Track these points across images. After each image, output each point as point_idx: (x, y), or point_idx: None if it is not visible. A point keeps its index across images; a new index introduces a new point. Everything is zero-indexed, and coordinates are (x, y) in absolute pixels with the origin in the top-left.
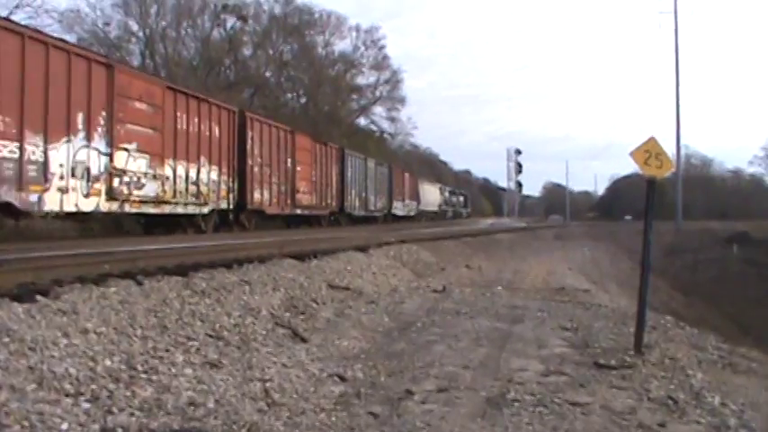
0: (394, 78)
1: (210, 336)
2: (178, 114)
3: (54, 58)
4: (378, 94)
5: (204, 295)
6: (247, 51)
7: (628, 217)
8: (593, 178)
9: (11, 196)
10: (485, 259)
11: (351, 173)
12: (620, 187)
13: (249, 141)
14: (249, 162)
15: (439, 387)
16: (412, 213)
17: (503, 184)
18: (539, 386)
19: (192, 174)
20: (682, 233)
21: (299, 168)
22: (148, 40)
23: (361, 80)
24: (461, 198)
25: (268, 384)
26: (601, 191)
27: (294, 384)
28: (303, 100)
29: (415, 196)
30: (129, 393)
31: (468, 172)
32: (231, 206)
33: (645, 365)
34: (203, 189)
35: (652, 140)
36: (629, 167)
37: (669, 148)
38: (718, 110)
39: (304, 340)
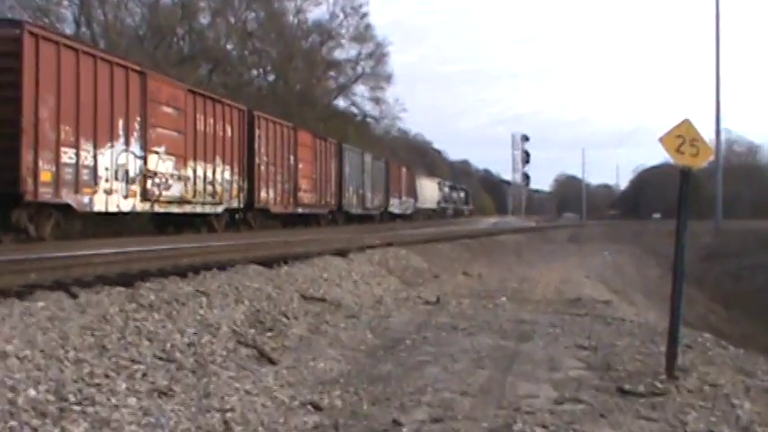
0: (378, 52)
1: (160, 358)
2: (197, 116)
3: (101, 69)
4: (359, 70)
5: (153, 309)
6: (204, 20)
7: (656, 215)
8: (614, 169)
9: (70, 198)
10: (486, 265)
11: (348, 169)
12: (646, 180)
13: (257, 140)
14: (257, 160)
15: (432, 417)
16: (409, 212)
17: (507, 176)
18: (551, 416)
19: (209, 174)
20: (722, 234)
21: (300, 166)
22: (83, 3)
23: (339, 54)
24: (462, 194)
25: (228, 415)
26: (624, 184)
27: (260, 415)
28: (271, 77)
29: (413, 192)
30: (57, 430)
31: (466, 162)
32: (242, 205)
33: (679, 393)
34: (218, 189)
35: (686, 123)
36: (659, 156)
37: (707, 133)
38: (766, 87)
39: (272, 362)
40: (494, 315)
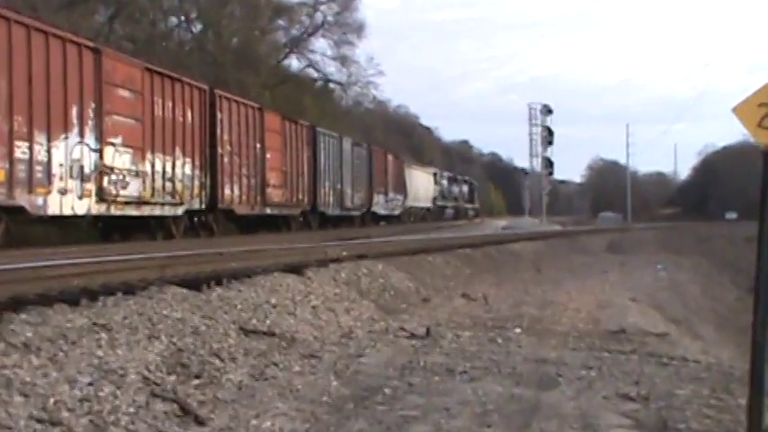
0: None
1: (39, 420)
2: (155, 99)
3: (54, 48)
4: (319, 18)
5: (29, 351)
6: None
7: (731, 214)
8: (670, 152)
9: (24, 200)
10: (494, 285)
11: (324, 159)
12: (717, 166)
13: (219, 125)
14: (219, 151)
15: None
16: (397, 212)
17: (522, 162)
18: None
19: (168, 169)
20: None
21: (268, 156)
22: None
23: None
24: (465, 188)
25: None
26: (684, 172)
27: None
28: (197, 28)
29: (402, 187)
30: None
31: (466, 144)
32: (203, 205)
33: None
34: (178, 186)
35: None
36: (734, 133)
37: None
38: None
39: (199, 421)
40: (504, 353)
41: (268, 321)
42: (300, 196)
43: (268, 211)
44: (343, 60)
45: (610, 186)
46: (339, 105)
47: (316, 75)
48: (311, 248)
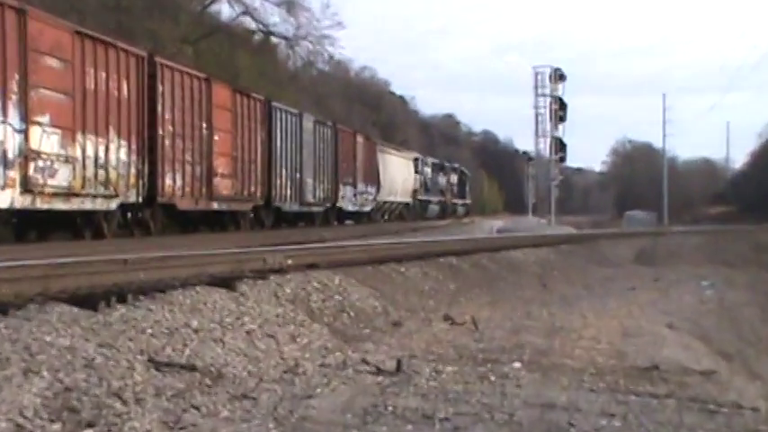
0: None
1: None
2: (87, 69)
3: None
4: None
5: None
6: None
7: None
8: (720, 132)
9: None
10: (486, 304)
11: (281, 141)
12: None
13: (160, 100)
14: (160, 131)
15: None
16: (367, 208)
17: (525, 144)
18: None
19: (101, 153)
20: None
21: (216, 138)
22: None
23: None
24: (454, 178)
25: None
26: (740, 159)
27: None
28: None
29: (373, 177)
30: None
31: (451, 119)
32: (141, 198)
33: None
34: (112, 175)
35: None
36: None
37: None
38: None
39: None
40: (499, 394)
41: (187, 351)
42: (252, 188)
43: (215, 206)
44: (290, 7)
45: (640, 177)
46: (284, 66)
47: (253, 26)
48: (246, 255)
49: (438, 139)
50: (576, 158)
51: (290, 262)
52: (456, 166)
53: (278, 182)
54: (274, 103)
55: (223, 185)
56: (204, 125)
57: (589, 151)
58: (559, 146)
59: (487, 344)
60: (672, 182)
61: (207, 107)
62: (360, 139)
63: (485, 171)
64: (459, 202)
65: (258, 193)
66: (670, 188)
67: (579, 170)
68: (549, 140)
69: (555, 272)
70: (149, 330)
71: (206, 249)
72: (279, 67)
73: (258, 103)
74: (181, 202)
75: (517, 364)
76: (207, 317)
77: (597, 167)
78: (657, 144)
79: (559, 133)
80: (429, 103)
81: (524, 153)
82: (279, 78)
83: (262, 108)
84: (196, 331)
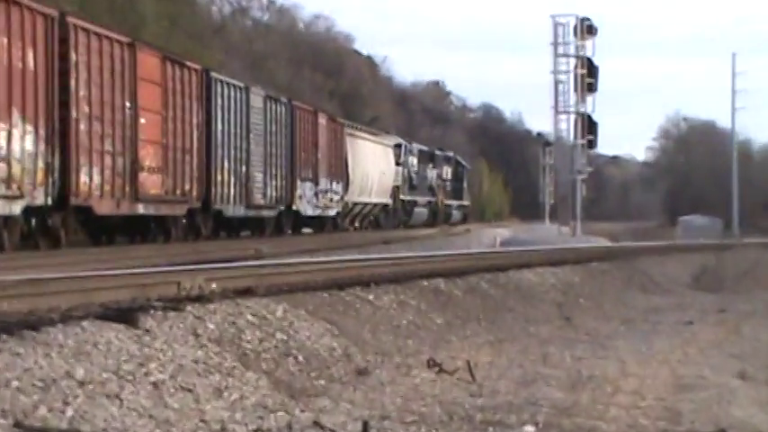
0: None
1: None
2: None
3: None
4: None
5: None
6: None
7: None
8: None
9: None
10: (486, 345)
11: (222, 122)
12: None
13: (74, 73)
14: (73, 113)
15: None
16: (332, 211)
17: (540, 124)
18: None
19: (2, 142)
20: None
21: (143, 121)
22: None
23: None
24: (447, 171)
25: None
26: None
27: None
28: None
29: (340, 170)
30: None
31: (436, 88)
32: (50, 200)
33: None
34: (16, 170)
35: None
36: None
37: None
38: None
39: None
40: None
41: (69, 411)
42: (187, 186)
43: (141, 209)
44: None
45: (700, 168)
46: (205, 14)
47: None
48: (154, 277)
49: (420, 116)
50: (610, 143)
51: (214, 286)
52: (450, 155)
53: (219, 177)
54: (214, 74)
55: (151, 183)
56: (127, 104)
57: (628, 133)
58: (588, 125)
59: (488, 399)
60: (744, 175)
61: (131, 81)
62: (322, 119)
63: (485, 160)
64: (454, 203)
65: (194, 193)
66: (742, 184)
67: (615, 159)
68: (573, 118)
69: (581, 300)
70: (15, 383)
71: (101, 267)
72: (198, 15)
73: (193, 73)
74: (99, 204)
75: (530, 429)
76: (97, 363)
77: (640, 155)
78: (724, 123)
79: (588, 108)
80: (408, 68)
81: (539, 135)
82: (198, 31)
83: (198, 80)
84: (82, 384)
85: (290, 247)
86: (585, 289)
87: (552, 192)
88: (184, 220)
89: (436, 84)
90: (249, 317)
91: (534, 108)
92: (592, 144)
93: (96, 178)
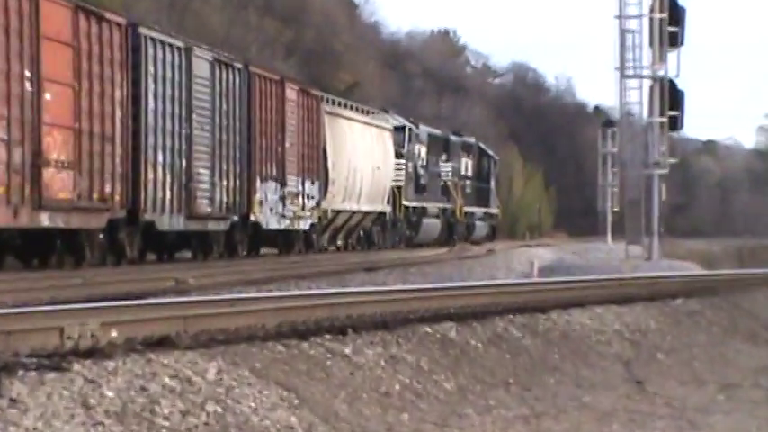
0: None
1: None
2: None
3: None
4: None
5: None
6: None
7: None
8: None
9: None
10: (517, 421)
11: (155, 98)
12: None
13: None
14: None
15: None
16: (304, 223)
17: (597, 95)
18: None
19: None
20: None
21: (48, 97)
22: None
23: None
24: (468, 164)
25: None
26: None
27: None
28: None
29: (316, 165)
30: None
31: (447, 40)
32: None
33: None
34: None
35: None
36: None
37: None
38: None
39: None
40: None
41: None
42: (107, 188)
43: (45, 220)
44: None
45: None
46: None
47: None
48: (26, 320)
49: (421, 82)
50: (703, 123)
51: (114, 334)
52: (471, 141)
53: (150, 176)
54: (144, 30)
55: (59, 183)
56: (27, 74)
57: (730, 108)
58: (671, 96)
59: None
60: None
61: (32, 41)
62: (292, 92)
63: (517, 147)
64: (478, 211)
65: (116, 198)
66: None
67: (710, 146)
68: (647, 85)
69: (659, 355)
70: None
71: None
72: None
73: (115, 29)
74: None
75: None
76: None
77: (748, 140)
78: None
79: (670, 70)
80: (402, 12)
81: (597, 111)
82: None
83: (121, 39)
84: None
85: (231, 275)
86: (666, 339)
87: (617, 194)
88: (102, 236)
89: (445, 34)
90: (167, 380)
91: (590, 71)
92: (676, 124)
93: None
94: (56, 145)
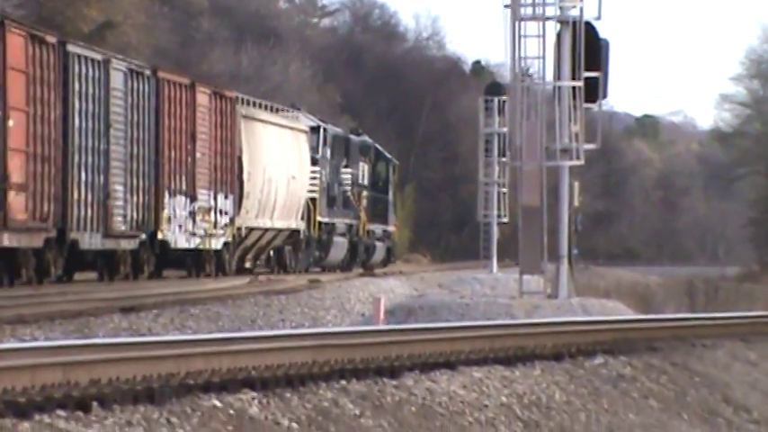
0: None
1: None
2: None
3: None
4: None
5: None
6: None
7: None
8: None
9: None
10: None
11: (80, 115)
12: None
13: None
14: None
15: None
16: (216, 242)
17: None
18: None
19: None
20: None
21: (11, 123)
22: None
23: None
24: (365, 170)
25: None
26: None
27: None
28: None
29: (231, 176)
30: None
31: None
32: None
33: None
34: None
35: None
36: None
37: None
38: None
39: None
40: None
41: None
42: (45, 208)
43: (6, 240)
44: None
45: None
46: None
47: None
48: None
49: (212, 23)
50: (638, 94)
51: None
52: (368, 141)
53: (75, 194)
54: (72, 48)
55: (18, 205)
56: None
57: (678, 72)
58: (590, 49)
59: None
60: None
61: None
62: (203, 96)
63: (353, 121)
64: (378, 228)
65: (51, 217)
66: None
67: (648, 123)
68: (554, 31)
69: None
70: None
71: None
72: None
73: (50, 50)
74: None
75: None
76: None
77: (704, 119)
78: None
79: (588, 9)
80: None
81: (477, 68)
82: None
83: (55, 59)
84: None
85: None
86: (579, 418)
87: (506, 198)
88: (34, 258)
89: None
90: None
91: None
92: (596, 90)
93: None
94: (15, 169)
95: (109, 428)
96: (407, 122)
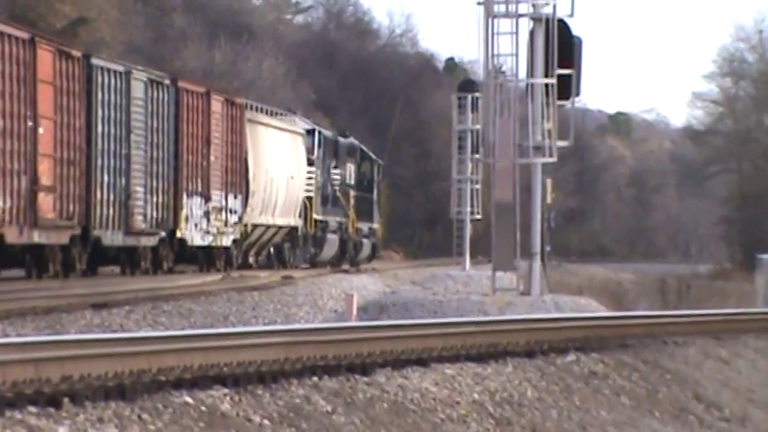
0: None
1: None
2: None
3: None
4: None
5: None
6: None
7: None
8: None
9: None
10: None
11: (103, 122)
12: None
13: None
14: None
15: None
16: (225, 239)
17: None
18: None
19: None
20: None
21: (41, 131)
22: None
23: None
24: (352, 170)
25: None
26: None
27: None
28: None
29: (239, 177)
30: None
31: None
32: None
33: None
34: None
35: None
36: None
37: None
38: None
39: None
40: None
41: None
42: (71, 207)
43: (36, 237)
44: None
45: None
46: None
47: None
48: None
49: (185, 20)
50: (610, 92)
51: None
52: (354, 143)
53: (98, 195)
54: (96, 61)
55: (47, 205)
56: (28, 113)
57: (651, 70)
58: (563, 46)
59: None
60: None
61: (30, 84)
62: (217, 103)
63: (327, 118)
64: (366, 227)
65: (75, 216)
66: None
67: (620, 120)
68: (527, 28)
69: None
70: None
71: None
72: None
73: (76, 63)
74: (9, 230)
75: None
76: None
77: (677, 117)
78: None
79: (562, 7)
80: None
81: (450, 65)
82: None
83: (80, 71)
84: None
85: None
86: (550, 415)
87: (479, 194)
88: (61, 253)
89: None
90: None
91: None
92: (569, 88)
93: (7, 201)
94: (44, 172)
95: (80, 425)
96: (381, 119)
